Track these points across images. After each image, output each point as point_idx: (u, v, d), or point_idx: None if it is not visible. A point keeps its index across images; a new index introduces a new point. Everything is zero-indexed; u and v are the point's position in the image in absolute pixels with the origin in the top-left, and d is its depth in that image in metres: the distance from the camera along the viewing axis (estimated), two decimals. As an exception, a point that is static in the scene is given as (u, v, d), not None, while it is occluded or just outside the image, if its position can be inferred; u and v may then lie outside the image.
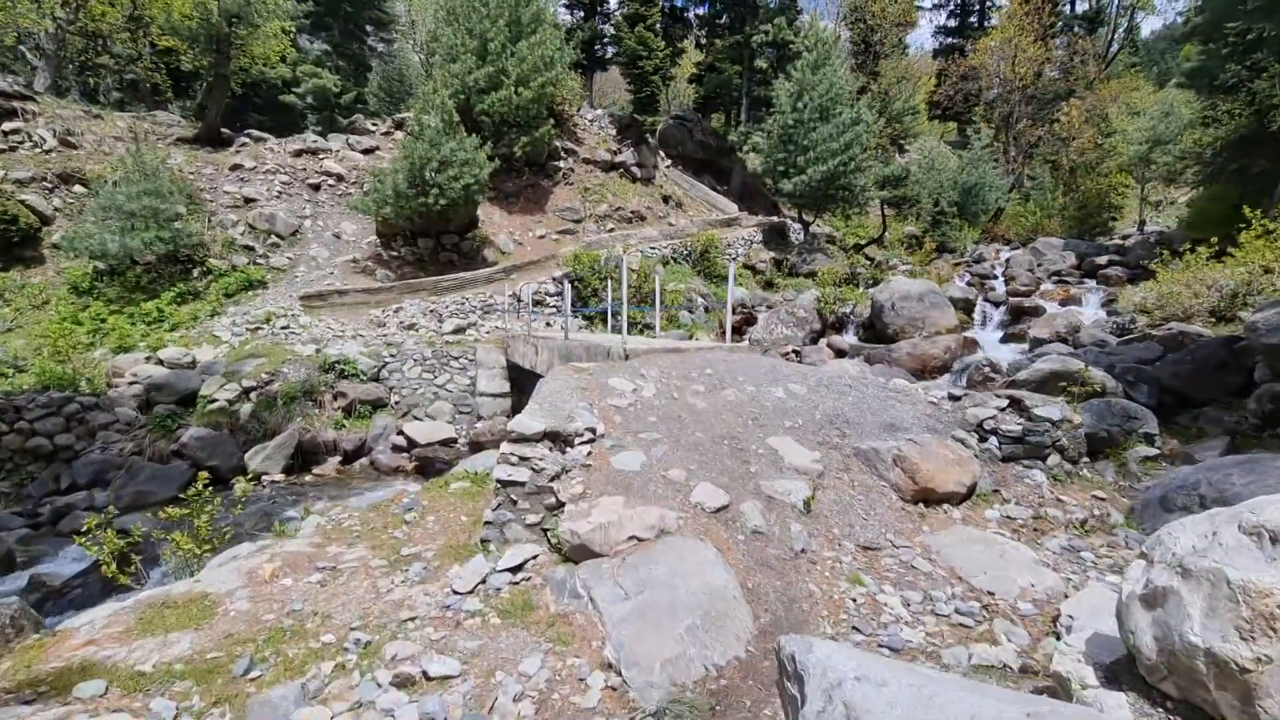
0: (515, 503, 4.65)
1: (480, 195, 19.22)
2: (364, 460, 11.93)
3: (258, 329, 14.84)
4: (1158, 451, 6.22)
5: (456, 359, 13.17)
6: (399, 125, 25.04)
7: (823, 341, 16.61)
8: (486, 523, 4.66)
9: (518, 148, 22.16)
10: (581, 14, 32.56)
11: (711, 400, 6.01)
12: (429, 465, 11.12)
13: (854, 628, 3.52)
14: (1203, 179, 21.04)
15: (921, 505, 4.99)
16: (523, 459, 4.72)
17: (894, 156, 32.60)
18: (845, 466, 5.23)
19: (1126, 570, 2.50)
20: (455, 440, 11.98)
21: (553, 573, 4.08)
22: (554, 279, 18.16)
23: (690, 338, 17.43)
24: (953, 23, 47.81)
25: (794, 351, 15.82)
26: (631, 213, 24.27)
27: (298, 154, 22.06)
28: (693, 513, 4.41)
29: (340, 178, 21.82)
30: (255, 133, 22.89)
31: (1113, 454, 6.16)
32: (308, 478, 11.18)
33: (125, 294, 15.32)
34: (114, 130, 20.27)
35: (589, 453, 5.00)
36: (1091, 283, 20.60)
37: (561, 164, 24.50)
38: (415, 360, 13.10)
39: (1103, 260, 22.08)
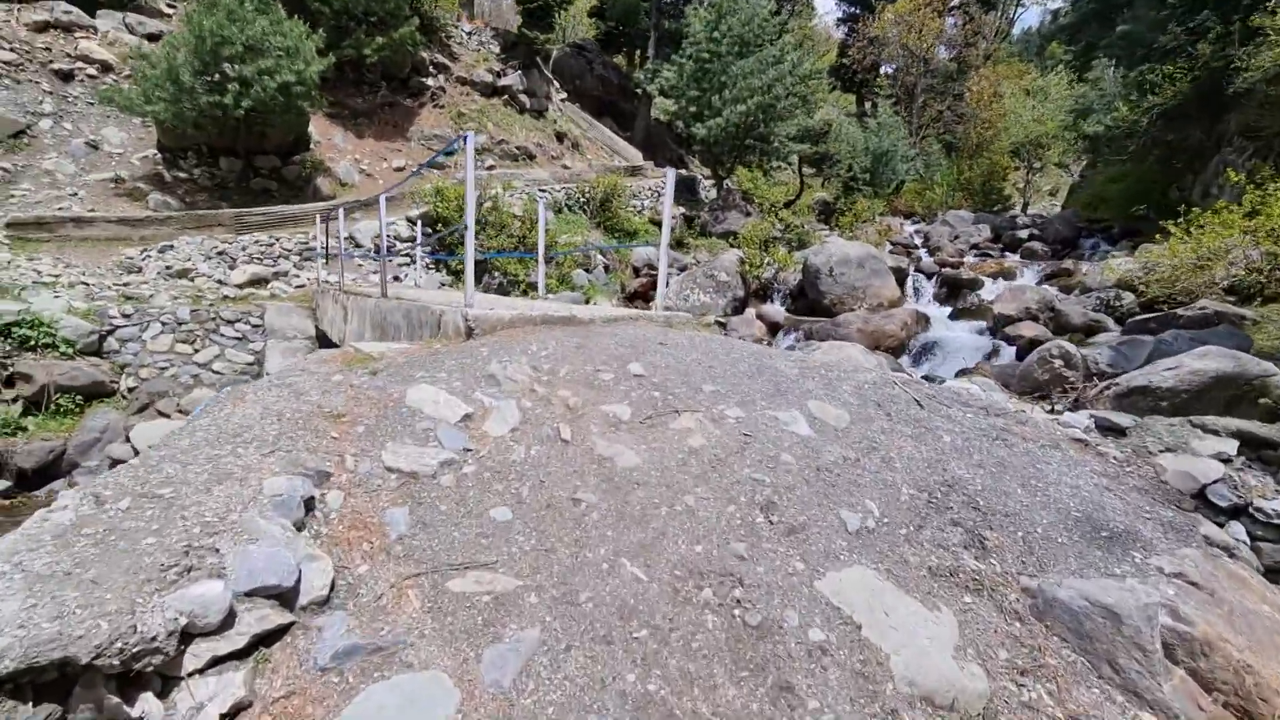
0: None
1: (308, 102, 14.23)
2: (62, 483, 7.38)
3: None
4: None
5: (232, 323, 8.65)
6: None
7: (750, 311, 13.62)
8: None
9: (369, 50, 17.10)
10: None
11: (653, 444, 2.52)
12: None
13: None
14: (1130, 152, 20.07)
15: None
16: None
17: (815, 110, 30.20)
18: (1034, 654, 1.93)
19: None
20: (220, 451, 7.69)
21: None
22: (409, 220, 13.75)
23: (587, 302, 13.80)
24: (857, -9, 46.36)
25: (718, 323, 12.72)
26: (518, 148, 19.96)
27: (40, 28, 15.63)
28: None
29: (107, 67, 15.75)
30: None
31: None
32: (-67, 521, 6.53)
33: None
34: None
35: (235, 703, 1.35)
36: (1015, 256, 19.32)
37: (430, 81, 19.61)
38: (164, 324, 8.46)
39: (1023, 234, 20.87)
